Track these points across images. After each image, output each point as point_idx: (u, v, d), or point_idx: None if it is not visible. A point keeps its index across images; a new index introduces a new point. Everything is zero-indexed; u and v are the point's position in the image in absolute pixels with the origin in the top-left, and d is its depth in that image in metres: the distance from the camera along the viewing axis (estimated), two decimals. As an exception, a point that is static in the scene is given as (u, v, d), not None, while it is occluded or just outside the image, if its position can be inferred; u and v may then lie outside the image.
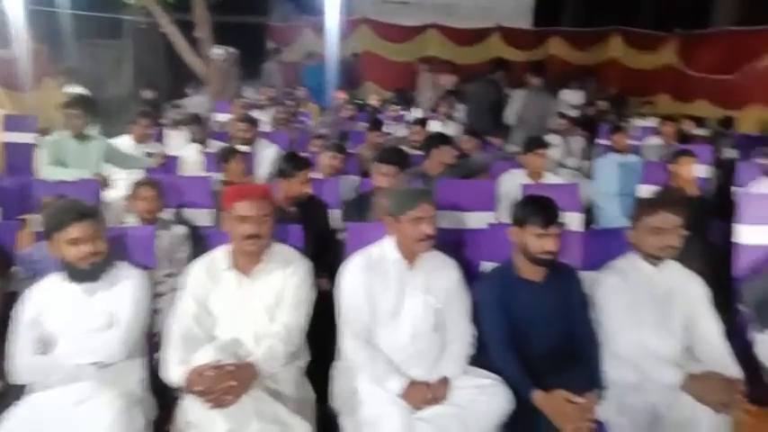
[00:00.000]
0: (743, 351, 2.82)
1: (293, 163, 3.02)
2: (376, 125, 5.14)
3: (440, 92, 8.19)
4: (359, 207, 3.07)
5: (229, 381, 1.72)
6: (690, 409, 1.83)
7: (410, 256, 2.13)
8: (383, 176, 3.00)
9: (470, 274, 2.38)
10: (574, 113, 7.65)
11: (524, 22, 11.11)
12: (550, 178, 3.90)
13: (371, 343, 2.06)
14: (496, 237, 2.49)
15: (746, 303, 2.83)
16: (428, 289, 2.11)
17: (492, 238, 2.54)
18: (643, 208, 2.20)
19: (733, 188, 4.28)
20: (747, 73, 8.34)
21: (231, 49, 7.82)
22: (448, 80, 9.34)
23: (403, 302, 2.09)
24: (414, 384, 1.94)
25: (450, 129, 5.92)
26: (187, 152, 4.65)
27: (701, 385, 1.85)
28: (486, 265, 2.48)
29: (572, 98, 8.85)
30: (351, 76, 9.32)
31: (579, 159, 5.86)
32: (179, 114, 6.52)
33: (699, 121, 6.86)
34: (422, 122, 5.56)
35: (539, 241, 2.06)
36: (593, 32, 11.00)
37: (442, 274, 2.16)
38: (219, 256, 2.11)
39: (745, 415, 2.75)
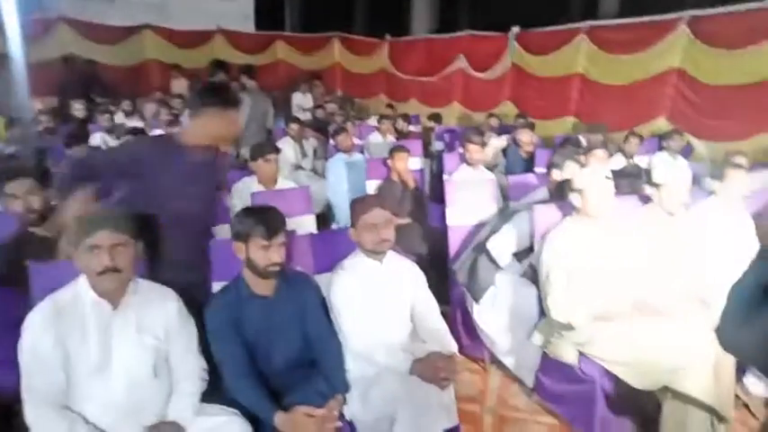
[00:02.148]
0: (463, 317, 3.22)
1: None
2: (80, 138, 4.43)
3: (169, 97, 7.59)
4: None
5: None
6: (421, 390, 1.94)
7: (111, 291, 1.79)
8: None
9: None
10: (304, 116, 7.90)
11: (247, 25, 11.05)
12: (283, 183, 3.87)
13: (67, 410, 1.69)
14: (224, 254, 2.32)
15: (459, 279, 3.22)
16: (141, 328, 1.82)
17: (220, 256, 2.35)
18: (358, 207, 2.26)
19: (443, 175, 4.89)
20: (445, 76, 9.72)
21: None
22: (180, 85, 8.76)
23: (111, 350, 1.76)
24: None
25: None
26: None
27: (424, 366, 2.00)
28: (217, 286, 2.29)
29: (302, 101, 9.16)
30: (63, 83, 7.92)
31: (313, 160, 6.05)
32: None
33: (412, 118, 7.74)
34: (140, 132, 5.01)
35: (264, 254, 1.96)
36: (315, 38, 11.56)
37: (158, 306, 1.88)
38: None
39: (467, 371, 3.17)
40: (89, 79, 7.74)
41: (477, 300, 3.04)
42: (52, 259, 2.12)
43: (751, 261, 1.25)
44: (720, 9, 5.92)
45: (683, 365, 2.25)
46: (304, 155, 5.94)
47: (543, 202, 3.13)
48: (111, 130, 5.76)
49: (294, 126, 5.76)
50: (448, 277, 3.42)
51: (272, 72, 10.57)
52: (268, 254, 1.95)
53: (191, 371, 1.89)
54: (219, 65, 5.69)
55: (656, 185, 2.82)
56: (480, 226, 3.46)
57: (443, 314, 2.39)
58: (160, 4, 9.97)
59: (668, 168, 2.86)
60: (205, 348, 1.97)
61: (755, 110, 5.40)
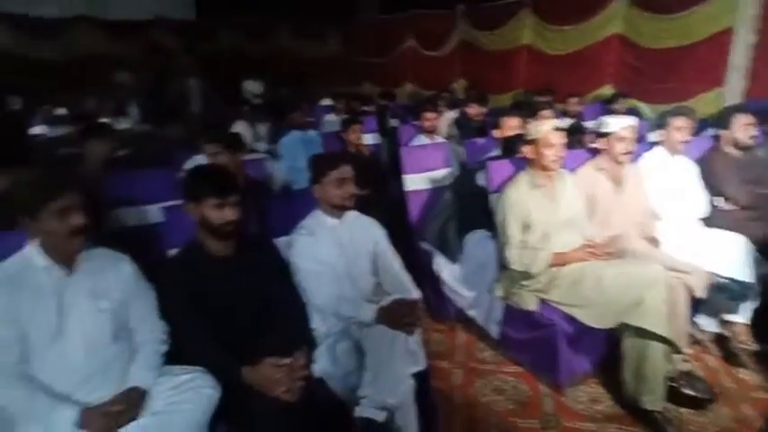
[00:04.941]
0: (429, 281, 3.25)
1: None
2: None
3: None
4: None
5: None
6: (387, 337, 1.94)
7: (65, 258, 1.73)
8: None
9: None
10: (257, 101, 7.76)
11: (188, 12, 10.71)
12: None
13: (25, 378, 1.62)
14: (178, 220, 2.26)
15: (428, 241, 3.24)
16: (97, 293, 1.76)
17: (173, 222, 2.30)
18: (325, 163, 2.27)
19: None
20: (395, 56, 9.73)
21: None
22: (126, 77, 8.49)
23: (66, 316, 1.70)
24: (90, 409, 1.61)
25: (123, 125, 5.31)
26: None
27: (388, 313, 2.01)
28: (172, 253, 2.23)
29: (253, 87, 8.99)
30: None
31: (267, 143, 5.96)
32: None
33: (367, 99, 7.71)
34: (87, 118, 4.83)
35: (218, 212, 1.91)
36: (262, 23, 11.30)
37: (113, 270, 1.83)
38: None
39: (435, 332, 3.21)
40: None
41: (454, 261, 3.08)
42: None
43: None
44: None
45: (639, 302, 2.33)
46: (258, 138, 5.84)
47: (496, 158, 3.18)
48: (52, 121, 5.53)
49: (246, 108, 5.65)
50: (410, 245, 3.43)
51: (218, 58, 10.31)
52: (222, 212, 1.92)
53: (150, 334, 1.85)
54: (157, 49, 5.53)
55: (605, 135, 2.89)
56: (438, 190, 3.50)
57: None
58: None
59: (617, 119, 2.94)
60: (163, 314, 1.92)
61: (696, 70, 5.61)
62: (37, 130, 5.22)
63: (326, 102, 7.37)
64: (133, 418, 1.64)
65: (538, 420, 2.45)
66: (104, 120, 5.22)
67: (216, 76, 7.12)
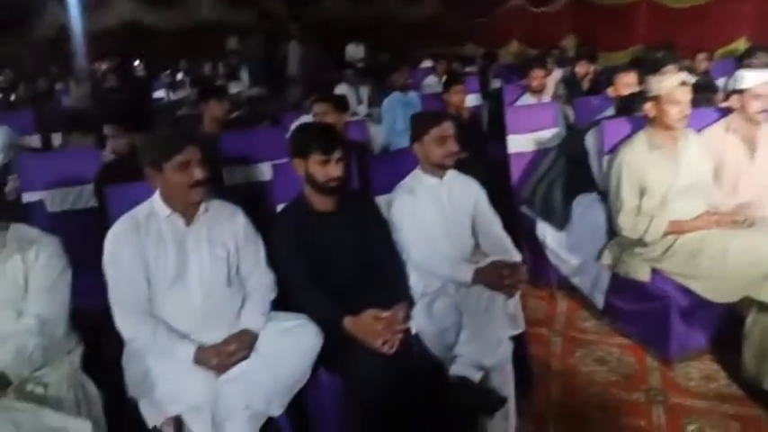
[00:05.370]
0: (529, 246, 3.16)
1: None
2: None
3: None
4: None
5: None
6: (486, 297, 1.92)
7: (185, 208, 1.87)
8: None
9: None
10: (359, 65, 7.82)
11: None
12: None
13: (151, 315, 1.79)
14: (286, 177, 2.36)
15: (531, 205, 3.12)
16: (214, 241, 1.89)
17: (281, 179, 2.40)
18: (427, 120, 2.24)
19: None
20: (500, 15, 9.33)
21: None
22: (235, 43, 8.92)
23: (186, 262, 1.84)
24: (206, 347, 1.75)
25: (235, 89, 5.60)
26: None
27: (488, 274, 1.97)
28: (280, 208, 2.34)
29: (355, 52, 9.07)
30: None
31: (368, 107, 6.01)
32: None
33: (468, 60, 7.50)
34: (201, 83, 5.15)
35: (323, 168, 1.97)
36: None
37: (227, 222, 1.95)
38: None
39: (533, 298, 3.12)
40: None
41: (560, 227, 2.95)
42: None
43: None
44: None
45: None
46: (359, 101, 5.91)
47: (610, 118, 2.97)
48: (172, 85, 5.96)
49: (349, 71, 5.72)
50: (511, 208, 3.33)
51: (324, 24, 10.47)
52: (327, 169, 1.96)
53: (260, 281, 1.96)
54: (266, 16, 5.72)
55: (739, 92, 2.60)
56: (542, 152, 3.35)
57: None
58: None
59: (754, 74, 2.62)
60: (272, 263, 2.03)
61: None
62: (159, 94, 5.63)
63: (426, 64, 7.26)
64: (244, 358, 1.76)
65: (643, 393, 2.33)
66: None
67: (321, 41, 7.25)
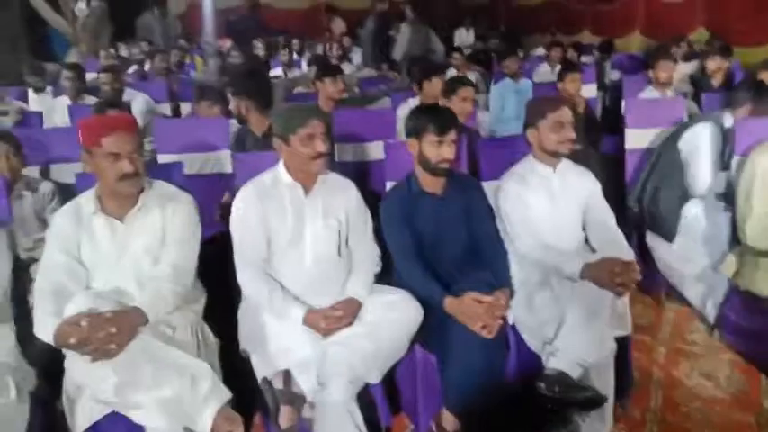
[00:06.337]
0: (637, 248, 3.00)
1: None
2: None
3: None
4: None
5: (108, 328, 1.52)
6: (593, 294, 1.87)
7: (305, 179, 1.98)
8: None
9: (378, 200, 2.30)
10: (468, 50, 7.74)
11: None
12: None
13: (269, 275, 1.93)
14: (396, 156, 2.42)
15: (640, 207, 2.95)
16: (328, 212, 2.00)
17: (392, 158, 2.47)
18: (544, 105, 2.19)
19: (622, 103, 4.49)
20: (623, 2, 8.78)
21: (95, 3, 7.05)
22: (338, 25, 9.17)
23: (302, 229, 1.96)
24: (316, 311, 1.86)
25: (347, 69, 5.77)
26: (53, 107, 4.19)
27: (598, 270, 1.89)
28: (390, 186, 2.41)
29: (464, 38, 8.97)
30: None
31: (475, 93, 5.94)
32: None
33: (584, 49, 7.14)
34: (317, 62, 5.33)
35: (436, 149, 1.99)
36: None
37: (341, 195, 2.05)
38: (85, 201, 1.84)
39: (638, 303, 2.98)
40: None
41: (670, 240, 2.76)
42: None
43: None
44: None
45: None
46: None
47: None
48: (288, 63, 6.24)
49: (457, 55, 5.68)
50: (624, 206, 3.18)
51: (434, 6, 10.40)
52: (440, 150, 1.99)
53: (367, 254, 2.05)
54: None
55: None
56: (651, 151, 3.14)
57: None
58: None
59: None
60: (379, 241, 2.11)
61: None
62: (276, 72, 5.92)
63: (539, 51, 7.02)
64: (348, 325, 1.85)
65: (753, 416, 2.17)
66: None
67: (432, 24, 7.24)
